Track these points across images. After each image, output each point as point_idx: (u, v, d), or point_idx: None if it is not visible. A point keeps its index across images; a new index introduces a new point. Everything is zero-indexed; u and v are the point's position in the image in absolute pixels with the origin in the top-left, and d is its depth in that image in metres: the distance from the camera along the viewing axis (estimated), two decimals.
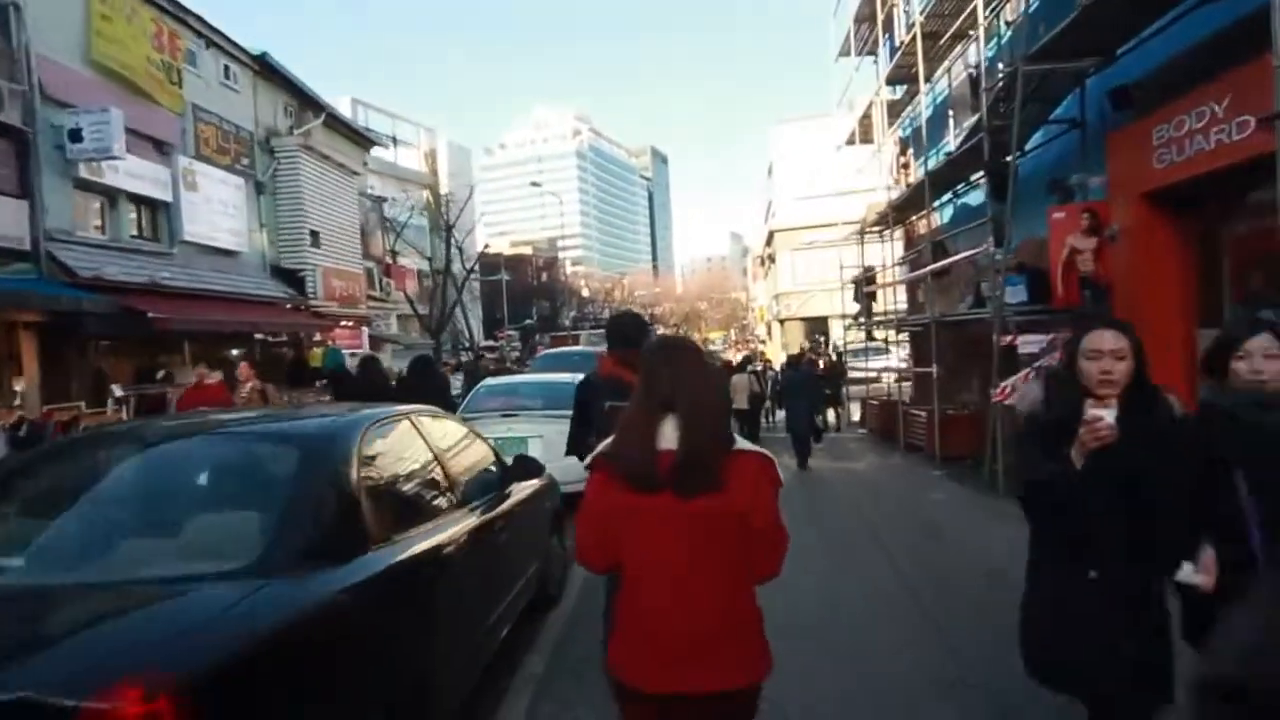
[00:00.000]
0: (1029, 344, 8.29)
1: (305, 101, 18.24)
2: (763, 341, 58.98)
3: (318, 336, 16.72)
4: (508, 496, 4.12)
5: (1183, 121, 6.48)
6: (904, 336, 16.52)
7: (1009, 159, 8.04)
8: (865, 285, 14.50)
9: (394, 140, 45.99)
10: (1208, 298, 7.19)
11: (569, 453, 3.88)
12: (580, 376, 7.80)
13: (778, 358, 30.09)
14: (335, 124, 19.94)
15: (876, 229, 15.59)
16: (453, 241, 26.01)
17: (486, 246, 28.43)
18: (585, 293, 69.87)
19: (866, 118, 15.10)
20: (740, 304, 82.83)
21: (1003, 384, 8.38)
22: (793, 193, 38.94)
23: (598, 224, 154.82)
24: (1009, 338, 8.31)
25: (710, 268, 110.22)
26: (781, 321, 42.04)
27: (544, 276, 62.75)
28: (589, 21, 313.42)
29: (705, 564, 1.93)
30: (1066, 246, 7.59)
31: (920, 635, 4.35)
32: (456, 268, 26.99)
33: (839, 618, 4.57)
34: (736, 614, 1.98)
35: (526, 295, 61.21)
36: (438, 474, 3.39)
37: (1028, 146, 8.92)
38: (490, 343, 47.59)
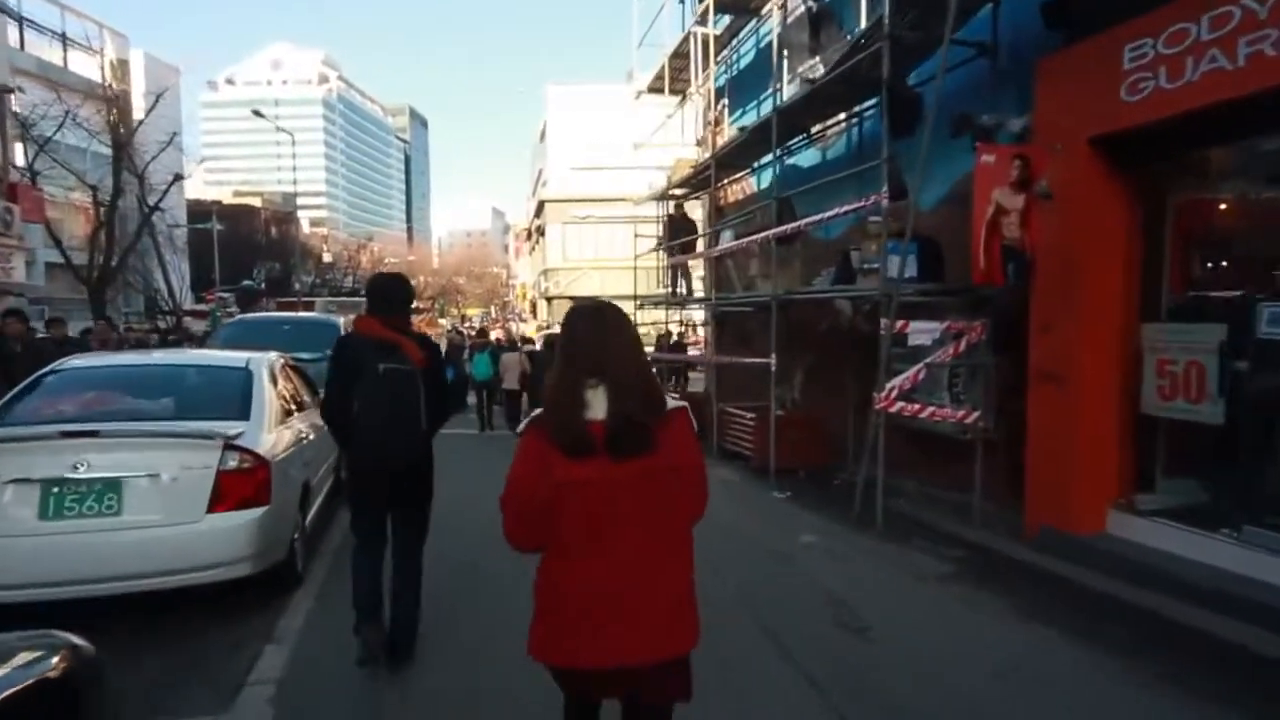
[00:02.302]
0: (921, 334, 6.28)
1: None
2: (523, 320, 56.09)
3: None
4: None
5: (1184, 32, 4.64)
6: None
7: (913, 83, 5.87)
8: (677, 244, 12.01)
9: (63, 38, 35.74)
10: (1148, 283, 5.60)
11: (326, 420, 3.61)
12: (270, 359, 4.84)
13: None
14: None
15: (681, 191, 13.32)
16: (125, 165, 19.32)
17: (178, 177, 21.66)
18: (327, 256, 61.45)
19: (678, 57, 12.72)
20: (501, 280, 79.06)
21: (888, 385, 6.29)
22: (568, 161, 36.30)
23: (345, 183, 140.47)
24: (900, 324, 6.22)
25: (470, 242, 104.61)
26: (549, 299, 39.39)
27: (273, 232, 53.97)
28: None
29: (651, 525, 1.88)
30: (992, 203, 5.59)
31: None
32: (138, 206, 20.30)
33: None
34: (681, 577, 1.95)
35: (254, 253, 52.05)
36: None
37: (915, 77, 6.92)
38: (200, 306, 39.17)
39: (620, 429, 1.84)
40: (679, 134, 14.52)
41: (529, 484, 1.86)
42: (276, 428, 4.51)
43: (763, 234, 8.35)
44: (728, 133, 12.72)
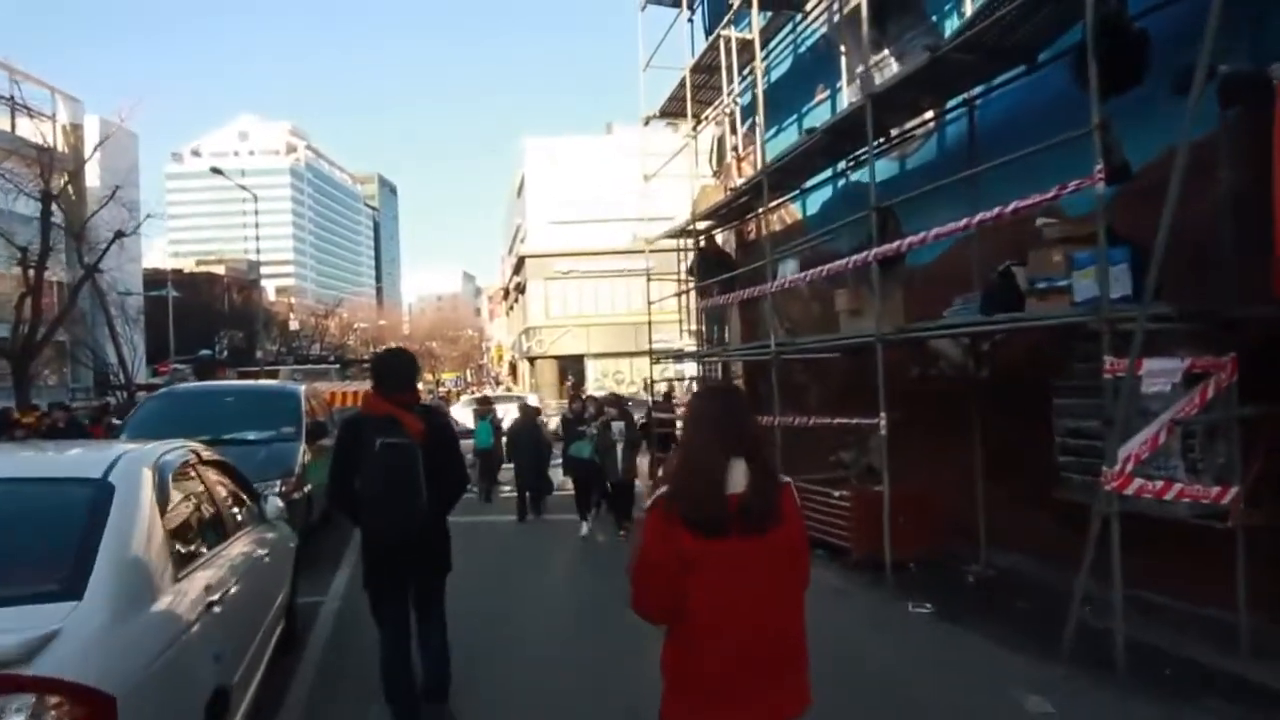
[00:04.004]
0: (1158, 377, 4.28)
1: None
2: (498, 383, 53.70)
3: None
4: None
5: None
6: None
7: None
8: (715, 282, 9.97)
9: (12, 102, 33.80)
10: None
11: (331, 503, 3.99)
12: (160, 460, 3.13)
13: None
14: None
15: (705, 224, 11.45)
16: (52, 221, 16.92)
17: (119, 235, 19.02)
18: (294, 324, 58.84)
19: (701, 71, 11.01)
20: (474, 343, 77.01)
21: (1123, 453, 4.24)
22: (548, 215, 34.71)
23: (314, 252, 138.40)
24: (1122, 363, 4.22)
25: (441, 305, 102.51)
26: (531, 359, 37.24)
27: (236, 300, 51.57)
28: (309, 36, 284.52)
29: (777, 596, 1.96)
30: None
31: None
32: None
33: None
34: (802, 639, 2.02)
35: (216, 322, 49.46)
36: None
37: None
38: (155, 379, 36.34)
39: (762, 503, 1.93)
40: (687, 166, 12.75)
41: (659, 558, 1.91)
42: (160, 599, 2.31)
43: (852, 257, 6.39)
44: (760, 153, 10.97)
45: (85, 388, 34.94)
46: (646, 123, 12.84)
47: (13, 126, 33.16)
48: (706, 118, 12.24)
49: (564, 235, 34.73)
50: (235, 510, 3.68)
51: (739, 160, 11.94)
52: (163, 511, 2.63)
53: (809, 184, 9.66)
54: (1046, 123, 5.62)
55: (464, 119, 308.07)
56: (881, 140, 7.85)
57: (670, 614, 1.93)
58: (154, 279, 43.78)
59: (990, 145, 6.40)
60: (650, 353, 12.74)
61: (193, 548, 2.83)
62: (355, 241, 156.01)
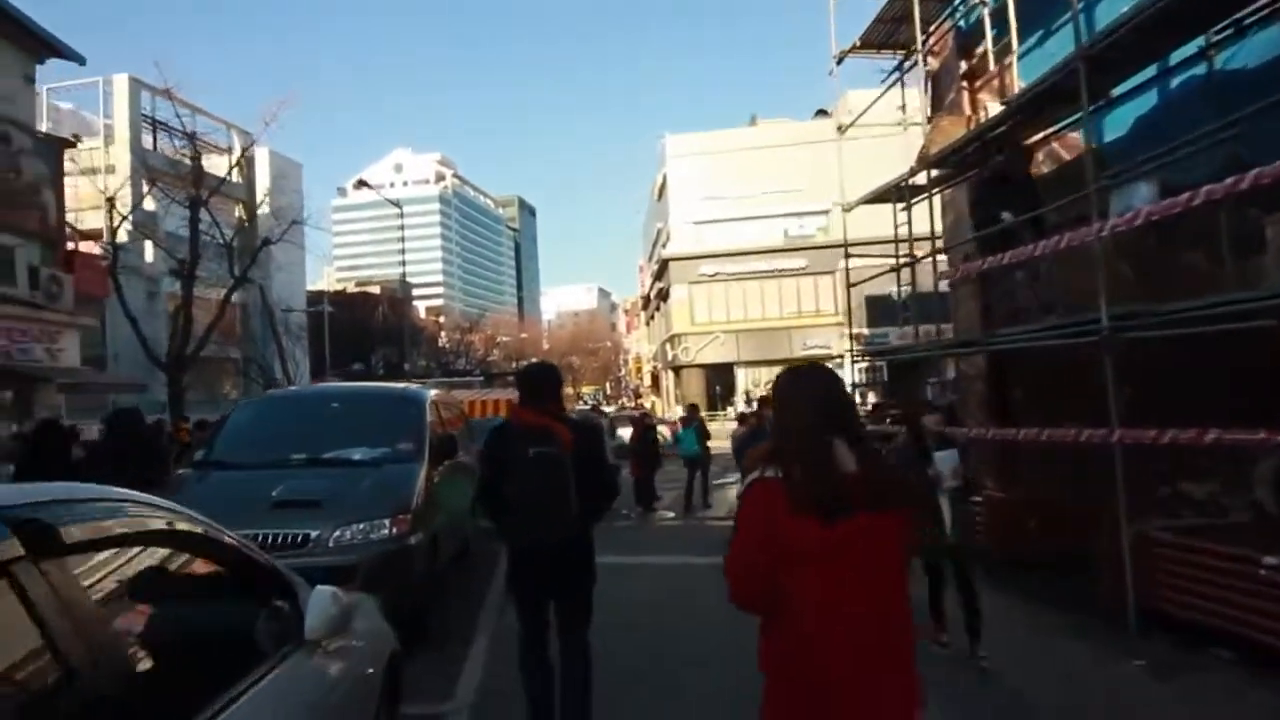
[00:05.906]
0: None
1: None
2: (638, 395, 52.10)
3: None
4: None
5: None
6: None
7: None
8: (1022, 219, 7.04)
9: (192, 137, 36.26)
10: None
11: (483, 506, 3.78)
12: None
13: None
14: None
15: (937, 173, 8.69)
16: (201, 226, 16.69)
17: (266, 242, 18.97)
18: (442, 341, 60.36)
19: None
20: (612, 356, 76.58)
21: None
22: (692, 214, 32.58)
23: (461, 273, 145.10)
24: None
25: (578, 321, 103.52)
26: (676, 369, 35.09)
27: (389, 315, 53.51)
28: (452, 65, 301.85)
29: (890, 583, 1.84)
30: None
31: None
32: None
33: None
34: (911, 629, 1.88)
35: (371, 338, 51.40)
36: None
37: None
38: None
39: (884, 479, 1.87)
40: (881, 116, 10.04)
41: (760, 542, 1.80)
42: None
43: None
44: (1017, 73, 8.13)
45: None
46: (840, 60, 10.29)
47: (194, 159, 35.62)
48: (925, 45, 9.49)
49: (709, 236, 32.50)
50: (220, 641, 1.53)
51: (974, 90, 9.13)
52: None
53: (1113, 94, 6.74)
54: None
55: (602, 129, 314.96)
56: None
57: (770, 604, 1.80)
58: (315, 299, 46.03)
59: None
60: (855, 351, 10.01)
61: None
62: (498, 261, 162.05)
